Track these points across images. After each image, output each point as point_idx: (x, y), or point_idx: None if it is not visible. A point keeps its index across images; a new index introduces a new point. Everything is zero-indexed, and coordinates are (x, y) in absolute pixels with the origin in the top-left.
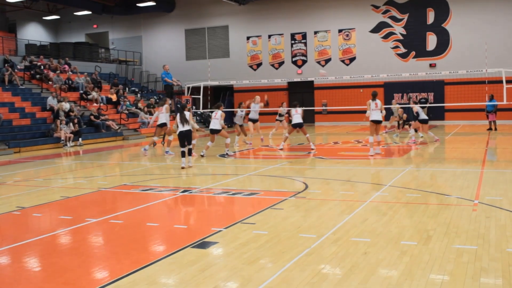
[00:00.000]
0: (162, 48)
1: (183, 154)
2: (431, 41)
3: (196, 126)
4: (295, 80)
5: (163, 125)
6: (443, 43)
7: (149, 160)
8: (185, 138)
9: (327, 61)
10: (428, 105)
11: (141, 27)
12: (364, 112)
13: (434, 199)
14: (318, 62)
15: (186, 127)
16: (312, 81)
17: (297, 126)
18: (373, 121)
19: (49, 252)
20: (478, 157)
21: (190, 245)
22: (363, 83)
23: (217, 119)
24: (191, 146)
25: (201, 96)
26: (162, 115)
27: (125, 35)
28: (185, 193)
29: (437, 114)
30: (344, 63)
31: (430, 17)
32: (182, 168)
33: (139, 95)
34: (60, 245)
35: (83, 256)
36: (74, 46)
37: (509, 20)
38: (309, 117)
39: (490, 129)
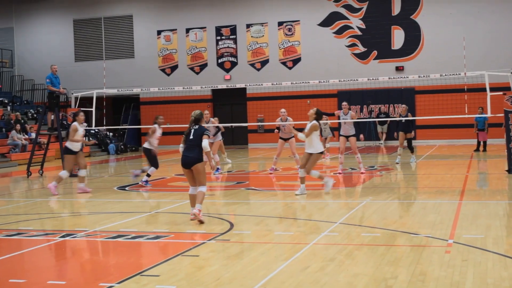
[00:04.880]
0: (42, 44)
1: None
2: (398, 37)
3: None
4: (222, 87)
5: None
6: (413, 40)
7: (21, 196)
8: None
9: (264, 63)
10: (389, 119)
11: (12, 15)
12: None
13: (398, 239)
14: (252, 65)
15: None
16: (245, 89)
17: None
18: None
19: None
20: (456, 186)
21: None
22: (310, 92)
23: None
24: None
25: (93, 109)
26: None
27: None
28: (67, 238)
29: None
30: (286, 65)
31: (396, 6)
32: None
33: (9, 107)
34: None
35: None
36: None
37: (492, 11)
38: (240, 137)
39: (477, 150)
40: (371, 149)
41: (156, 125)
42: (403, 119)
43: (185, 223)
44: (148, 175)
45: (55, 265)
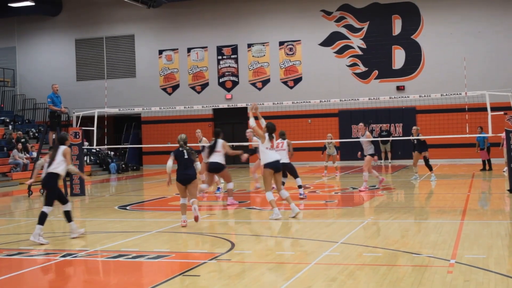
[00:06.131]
0: (44, 64)
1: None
2: (398, 57)
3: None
4: (223, 106)
5: None
6: (414, 60)
7: (22, 215)
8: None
9: (265, 82)
10: (391, 138)
11: (14, 34)
12: (318, 149)
13: (399, 259)
14: (253, 84)
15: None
16: (246, 108)
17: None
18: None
19: None
20: (458, 205)
21: None
22: (311, 111)
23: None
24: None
25: (95, 128)
26: None
27: None
28: (67, 258)
29: (408, 150)
30: (287, 85)
31: (397, 26)
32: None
33: (11, 126)
34: None
35: None
36: None
37: (493, 31)
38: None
39: (484, 169)
40: (373, 168)
41: None
42: (415, 139)
43: (186, 242)
44: None
45: (55, 285)
